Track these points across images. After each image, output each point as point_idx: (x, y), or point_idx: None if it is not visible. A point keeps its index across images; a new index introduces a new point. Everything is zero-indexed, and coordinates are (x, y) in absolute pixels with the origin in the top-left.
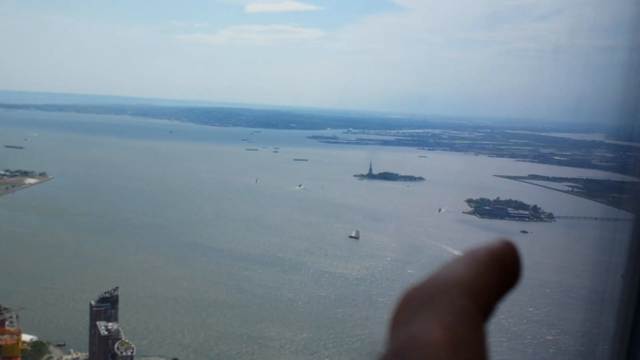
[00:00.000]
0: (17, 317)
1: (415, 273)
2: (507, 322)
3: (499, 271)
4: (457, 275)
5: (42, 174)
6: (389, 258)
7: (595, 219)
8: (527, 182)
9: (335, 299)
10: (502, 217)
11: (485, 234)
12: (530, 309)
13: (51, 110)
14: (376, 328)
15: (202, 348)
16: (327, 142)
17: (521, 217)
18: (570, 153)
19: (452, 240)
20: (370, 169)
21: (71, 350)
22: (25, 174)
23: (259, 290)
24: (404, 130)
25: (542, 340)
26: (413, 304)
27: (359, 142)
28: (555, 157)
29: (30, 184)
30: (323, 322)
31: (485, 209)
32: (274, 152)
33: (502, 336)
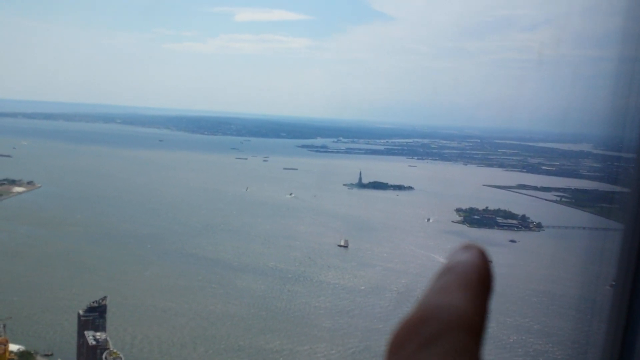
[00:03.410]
0: (4, 326)
1: (407, 283)
2: (496, 332)
3: (487, 294)
4: (456, 309)
5: (30, 183)
6: (379, 267)
7: (584, 228)
8: (516, 192)
9: (331, 309)
10: (491, 227)
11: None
12: (519, 319)
13: (39, 119)
14: (376, 339)
15: None
16: (317, 151)
17: (510, 227)
18: (558, 163)
19: (441, 249)
20: (360, 178)
21: (59, 359)
22: (13, 182)
23: (254, 300)
24: (393, 140)
25: (531, 350)
26: (417, 340)
27: (349, 151)
28: (544, 167)
29: (18, 193)
30: (322, 334)
31: (474, 218)
32: (264, 161)
33: (491, 346)
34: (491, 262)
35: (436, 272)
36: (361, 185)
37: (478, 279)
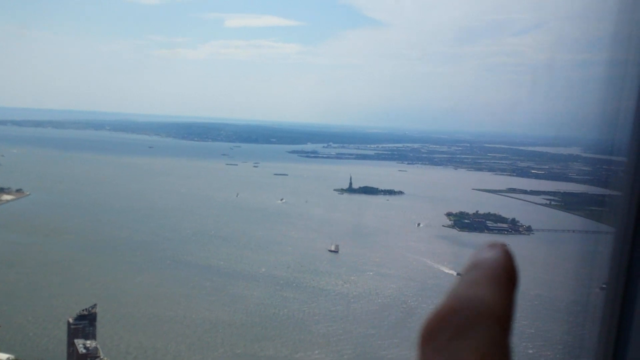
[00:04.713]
0: None
1: (399, 287)
2: None
3: (514, 289)
4: (487, 301)
5: (18, 191)
6: (370, 272)
7: (573, 231)
8: (506, 196)
9: (324, 315)
10: (481, 231)
11: (464, 249)
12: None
13: (29, 126)
14: (370, 344)
15: None
16: (307, 156)
17: (500, 230)
18: (547, 167)
19: (432, 254)
20: (350, 183)
21: None
22: (2, 190)
23: (247, 307)
24: (384, 145)
25: (524, 354)
26: (449, 331)
27: (339, 156)
28: (533, 171)
29: (7, 201)
30: (317, 340)
31: (464, 222)
32: (254, 166)
33: None
34: (516, 259)
35: (464, 267)
36: (352, 190)
37: (505, 274)
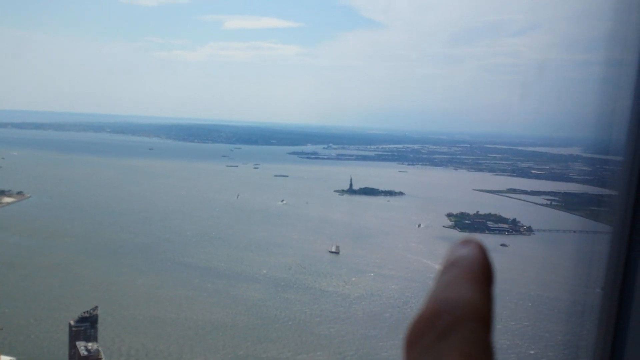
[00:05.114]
0: None
1: (399, 288)
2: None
3: (491, 286)
4: (467, 301)
5: (19, 193)
6: (371, 273)
7: (574, 231)
8: (506, 196)
9: (326, 316)
10: (482, 231)
11: None
12: (512, 323)
13: (29, 129)
14: (372, 345)
15: None
16: (308, 158)
17: (500, 231)
18: (547, 167)
19: (433, 254)
20: (351, 185)
21: None
22: (2, 193)
23: (249, 308)
24: (384, 146)
25: (525, 355)
26: (433, 333)
27: (339, 157)
28: (533, 171)
29: (8, 203)
30: (319, 341)
31: (465, 223)
32: (255, 168)
33: None
34: (490, 253)
35: (440, 267)
36: (352, 191)
37: (481, 271)
